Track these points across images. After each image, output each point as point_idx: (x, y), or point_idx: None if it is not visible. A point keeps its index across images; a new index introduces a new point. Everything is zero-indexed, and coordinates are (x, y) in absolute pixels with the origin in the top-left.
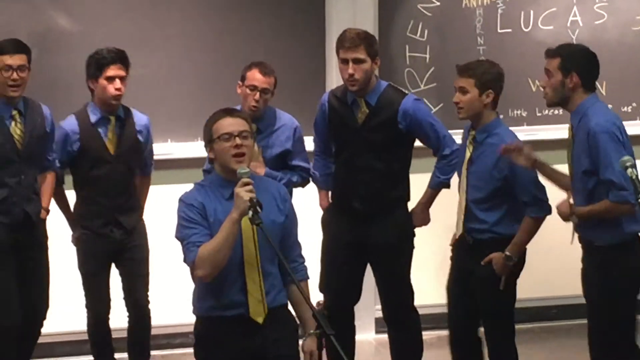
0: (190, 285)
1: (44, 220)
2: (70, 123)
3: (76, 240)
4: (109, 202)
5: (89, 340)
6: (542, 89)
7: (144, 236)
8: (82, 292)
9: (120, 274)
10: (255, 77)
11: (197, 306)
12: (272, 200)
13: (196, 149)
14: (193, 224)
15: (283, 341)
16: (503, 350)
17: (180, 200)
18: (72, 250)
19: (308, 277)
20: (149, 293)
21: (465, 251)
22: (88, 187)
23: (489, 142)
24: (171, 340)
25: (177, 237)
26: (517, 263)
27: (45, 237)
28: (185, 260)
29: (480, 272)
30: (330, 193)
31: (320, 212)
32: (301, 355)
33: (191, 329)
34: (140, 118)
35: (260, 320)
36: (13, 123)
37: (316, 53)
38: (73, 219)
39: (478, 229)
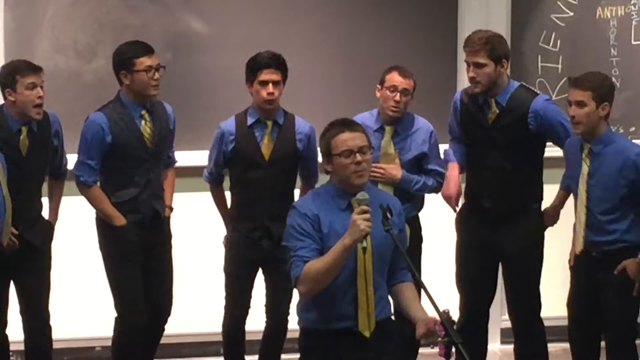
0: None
1: (169, 219)
2: (228, 123)
3: (226, 241)
4: (260, 207)
5: (222, 341)
6: None
7: None
8: (209, 294)
9: (265, 281)
10: (395, 78)
11: (302, 318)
12: None
13: None
14: (303, 236)
15: (389, 354)
16: None
17: (294, 207)
18: (197, 251)
19: (410, 279)
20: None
21: (592, 266)
22: (241, 190)
23: (608, 151)
24: (295, 345)
25: (284, 244)
26: None
27: (170, 236)
28: (289, 271)
29: (613, 281)
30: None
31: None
32: None
33: None
34: (302, 126)
35: (367, 334)
36: (143, 122)
37: (448, 59)
38: (227, 219)
39: (607, 241)
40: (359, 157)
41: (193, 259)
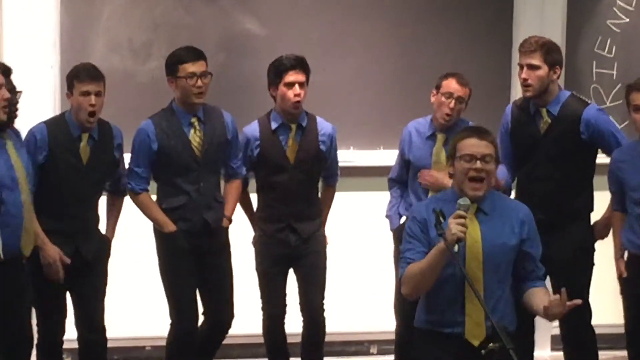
0: (364, 293)
1: (226, 228)
2: (252, 129)
3: (255, 242)
4: (286, 209)
5: (264, 344)
6: None
7: (321, 244)
8: (257, 295)
9: (297, 280)
10: (452, 85)
11: (417, 318)
12: (507, 222)
13: (379, 157)
14: (412, 238)
15: None
16: None
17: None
18: (246, 254)
19: (544, 286)
20: (324, 301)
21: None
22: (267, 193)
23: None
24: (346, 347)
25: (400, 247)
26: None
27: (227, 244)
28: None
29: None
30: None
31: None
32: None
33: (366, 337)
34: (324, 127)
35: (476, 343)
36: (192, 130)
37: (502, 67)
38: (254, 220)
39: None
40: (479, 164)
41: (241, 261)
